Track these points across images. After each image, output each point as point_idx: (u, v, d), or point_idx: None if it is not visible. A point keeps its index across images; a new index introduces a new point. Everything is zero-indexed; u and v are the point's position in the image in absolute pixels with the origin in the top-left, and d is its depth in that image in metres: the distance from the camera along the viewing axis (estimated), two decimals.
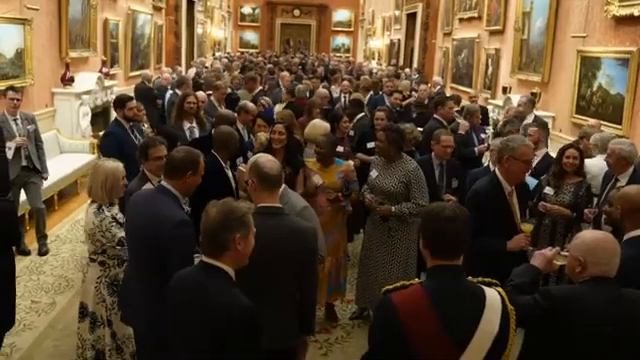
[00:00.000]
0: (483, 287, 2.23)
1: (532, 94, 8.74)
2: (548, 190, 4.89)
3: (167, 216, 2.90)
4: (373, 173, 4.69)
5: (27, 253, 6.07)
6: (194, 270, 2.36)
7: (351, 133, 6.65)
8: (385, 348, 2.15)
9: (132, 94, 8.55)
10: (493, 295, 2.21)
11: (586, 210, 4.71)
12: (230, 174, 4.56)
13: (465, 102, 10.51)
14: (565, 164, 4.88)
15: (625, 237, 3.11)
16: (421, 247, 2.29)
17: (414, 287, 2.20)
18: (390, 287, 2.24)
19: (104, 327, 3.67)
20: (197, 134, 6.05)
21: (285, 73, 11.20)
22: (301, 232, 2.78)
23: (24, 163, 5.92)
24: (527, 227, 3.60)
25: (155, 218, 2.94)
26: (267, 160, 2.95)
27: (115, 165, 3.70)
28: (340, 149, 5.58)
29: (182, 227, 2.89)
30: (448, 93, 11.72)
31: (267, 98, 7.77)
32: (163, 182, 3.11)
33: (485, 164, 5.96)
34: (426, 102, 9.47)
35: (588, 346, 2.38)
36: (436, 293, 2.14)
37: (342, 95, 10.25)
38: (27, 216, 6.59)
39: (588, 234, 2.62)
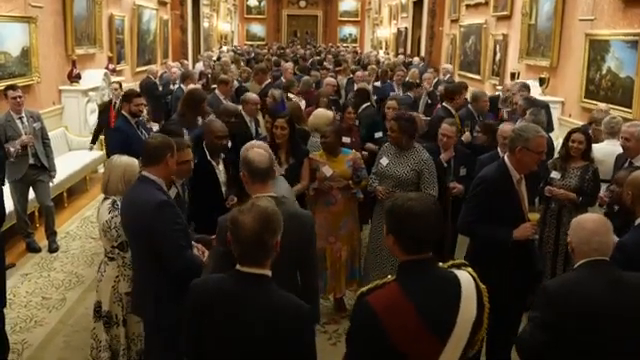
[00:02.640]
0: (456, 273, 2.19)
1: (540, 79, 8.67)
2: (554, 174, 4.86)
3: (146, 201, 3.05)
4: (383, 161, 4.68)
5: (37, 250, 6.12)
6: (234, 283, 2.16)
7: (356, 123, 6.61)
8: (368, 349, 2.08)
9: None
10: (466, 278, 2.18)
11: (601, 194, 4.68)
12: (220, 167, 4.60)
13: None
14: (571, 148, 4.85)
15: (637, 222, 3.08)
16: (388, 243, 2.20)
17: (389, 286, 2.14)
18: (364, 289, 2.19)
19: (119, 327, 3.63)
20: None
21: (288, 64, 11.11)
22: (299, 218, 2.77)
23: (32, 161, 5.93)
24: (534, 215, 3.56)
25: (137, 207, 3.09)
26: (257, 154, 2.96)
27: (131, 159, 3.73)
28: (347, 140, 5.57)
29: (161, 208, 3.04)
30: (456, 80, 11.64)
31: (278, 90, 7.73)
32: (144, 172, 3.22)
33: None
34: (431, 89, 9.47)
35: (590, 334, 2.37)
36: (412, 288, 2.09)
37: (355, 85, 10.19)
38: (37, 213, 6.63)
39: (578, 217, 2.68)
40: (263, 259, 2.15)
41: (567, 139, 4.94)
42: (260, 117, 6.67)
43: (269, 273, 2.18)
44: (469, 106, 7.19)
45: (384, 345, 2.04)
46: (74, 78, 8.89)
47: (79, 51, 9.23)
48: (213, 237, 3.37)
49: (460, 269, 2.24)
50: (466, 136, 6.45)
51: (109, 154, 5.91)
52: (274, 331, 2.08)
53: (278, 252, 2.21)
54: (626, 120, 5.48)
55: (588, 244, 2.47)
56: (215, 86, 8.08)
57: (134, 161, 3.70)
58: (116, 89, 8.13)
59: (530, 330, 2.50)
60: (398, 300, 2.07)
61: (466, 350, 2.14)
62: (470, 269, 2.27)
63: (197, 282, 2.32)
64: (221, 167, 4.61)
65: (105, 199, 3.65)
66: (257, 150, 3.04)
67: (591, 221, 2.56)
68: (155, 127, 7.45)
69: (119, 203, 3.54)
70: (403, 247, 2.15)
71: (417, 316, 2.04)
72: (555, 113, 7.97)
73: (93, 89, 9.28)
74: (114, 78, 10.27)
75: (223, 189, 4.55)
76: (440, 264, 2.26)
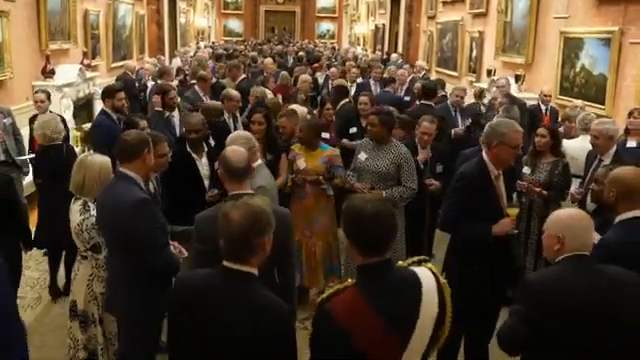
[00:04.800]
0: (415, 271, 2.19)
1: (516, 76, 8.77)
2: (525, 169, 4.94)
3: (125, 200, 3.02)
4: (362, 156, 4.70)
5: None
6: (217, 279, 2.17)
7: (333, 119, 6.64)
8: (331, 354, 2.09)
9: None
10: (426, 276, 2.18)
11: (572, 191, 4.75)
12: (203, 161, 4.63)
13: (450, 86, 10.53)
14: (534, 143, 4.94)
15: (617, 219, 3.10)
16: (347, 247, 2.22)
17: (349, 291, 2.14)
18: (324, 295, 2.18)
19: (95, 326, 3.58)
20: (176, 123, 6.05)
21: (268, 60, 11.08)
22: (278, 215, 2.77)
23: (2, 158, 5.83)
24: (513, 211, 3.59)
25: (115, 205, 3.05)
26: (233, 153, 2.99)
27: (104, 158, 3.66)
28: (326, 136, 5.60)
29: (141, 206, 3.02)
30: (433, 77, 11.73)
31: (263, 88, 7.72)
32: (120, 168, 3.19)
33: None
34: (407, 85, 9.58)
35: (573, 330, 2.38)
36: (371, 291, 2.09)
37: (329, 82, 10.21)
38: None
39: (562, 212, 2.68)
40: (247, 257, 2.15)
41: (534, 135, 5.02)
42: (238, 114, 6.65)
43: (254, 271, 2.18)
44: (447, 102, 7.27)
45: (346, 349, 2.04)
46: (48, 73, 8.73)
47: (53, 46, 9.07)
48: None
49: (420, 265, 2.25)
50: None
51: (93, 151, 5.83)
52: (256, 331, 2.07)
53: (267, 252, 2.20)
54: (599, 116, 5.58)
55: (581, 239, 2.49)
56: (194, 82, 8.02)
57: (108, 160, 3.65)
58: (43, 101, 6.40)
59: (512, 324, 2.51)
60: (358, 304, 2.07)
61: (430, 347, 2.16)
62: (430, 264, 2.27)
63: (182, 278, 2.32)
64: (204, 160, 4.62)
65: (76, 199, 3.58)
66: (235, 148, 3.07)
67: (584, 217, 2.58)
68: None
69: (90, 204, 3.50)
70: (358, 250, 2.16)
71: (377, 318, 2.04)
72: None
73: (68, 85, 9.12)
74: (89, 74, 10.13)
75: (206, 182, 4.56)
76: (400, 262, 2.27)
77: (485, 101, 8.11)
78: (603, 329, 2.38)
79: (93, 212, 3.47)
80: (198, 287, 2.20)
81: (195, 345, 2.16)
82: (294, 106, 6.16)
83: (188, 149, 4.63)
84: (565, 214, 2.62)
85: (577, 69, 7.44)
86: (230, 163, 2.93)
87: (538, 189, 4.78)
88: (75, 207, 3.53)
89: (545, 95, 7.44)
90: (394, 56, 15.62)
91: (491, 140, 3.53)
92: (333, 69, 10.82)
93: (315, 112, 7.47)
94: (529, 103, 7.51)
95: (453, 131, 6.68)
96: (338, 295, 2.14)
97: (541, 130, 4.97)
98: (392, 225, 2.17)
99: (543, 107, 7.40)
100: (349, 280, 2.23)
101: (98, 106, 7.93)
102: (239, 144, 3.42)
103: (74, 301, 3.62)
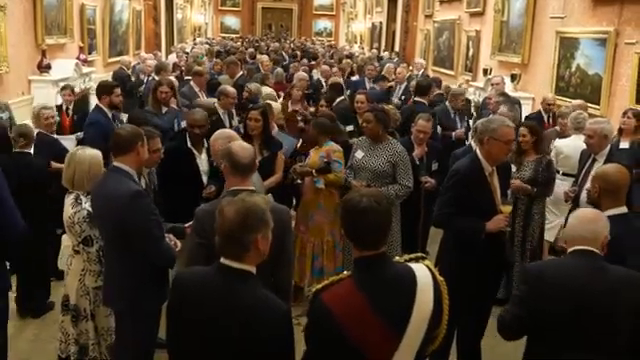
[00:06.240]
0: (412, 267, 2.21)
1: (512, 75, 8.80)
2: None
3: (121, 193, 3.04)
4: (358, 154, 4.72)
5: None
6: (214, 276, 2.17)
7: None
8: (325, 345, 2.11)
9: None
10: (423, 273, 2.19)
11: (566, 190, 4.78)
12: (203, 157, 4.65)
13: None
14: (519, 142, 4.96)
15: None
16: (345, 239, 2.26)
17: (344, 283, 2.15)
18: (319, 286, 2.19)
19: (87, 321, 3.58)
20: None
21: (264, 57, 11.06)
22: (275, 211, 2.78)
23: None
24: (506, 208, 3.61)
25: (110, 197, 3.07)
26: (240, 148, 2.97)
27: (95, 152, 3.67)
28: None
29: (136, 199, 3.04)
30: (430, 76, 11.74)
31: (256, 84, 7.72)
32: (115, 162, 3.21)
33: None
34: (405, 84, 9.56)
35: (568, 314, 2.40)
36: (366, 284, 2.11)
37: (322, 80, 10.22)
38: None
39: (578, 211, 2.73)
40: (241, 254, 2.14)
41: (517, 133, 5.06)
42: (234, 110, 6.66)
43: (252, 269, 2.17)
44: (446, 103, 7.26)
45: (340, 341, 2.06)
46: (44, 68, 8.70)
47: (49, 41, 9.03)
48: (186, 225, 3.38)
49: (418, 262, 2.26)
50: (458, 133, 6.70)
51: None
52: (253, 331, 2.07)
53: (264, 251, 2.19)
54: (592, 116, 5.60)
55: (577, 231, 2.55)
56: (189, 78, 8.02)
57: (98, 154, 3.65)
58: None
59: (509, 307, 2.55)
60: (352, 296, 2.09)
61: (426, 346, 2.17)
62: (428, 262, 2.28)
63: (181, 275, 2.31)
64: (204, 156, 4.64)
65: (69, 193, 3.59)
66: (242, 143, 3.07)
67: (584, 212, 2.66)
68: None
69: (82, 198, 3.51)
70: (353, 243, 2.20)
71: (372, 311, 2.06)
72: (527, 109, 8.11)
73: (63, 79, 9.10)
74: (85, 69, 10.11)
75: (204, 178, 4.58)
76: (397, 258, 2.29)
77: None
78: (598, 326, 2.40)
79: (85, 205, 3.48)
80: (196, 285, 2.20)
81: (193, 343, 2.16)
82: (269, 101, 6.24)
83: (189, 144, 4.63)
84: (575, 214, 2.69)
85: (573, 69, 7.47)
86: (236, 156, 2.90)
87: (526, 187, 4.84)
88: (67, 200, 3.55)
89: (548, 104, 7.09)
90: (386, 54, 15.64)
91: (483, 136, 3.57)
92: (324, 67, 10.83)
93: (312, 109, 7.50)
94: (525, 105, 7.53)
95: (454, 133, 6.70)
96: (333, 286, 2.16)
97: (522, 129, 5.00)
98: (385, 221, 2.18)
99: (545, 115, 7.12)
100: (344, 272, 2.24)
101: (94, 102, 7.91)
102: (222, 141, 3.44)
103: (66, 295, 3.63)
